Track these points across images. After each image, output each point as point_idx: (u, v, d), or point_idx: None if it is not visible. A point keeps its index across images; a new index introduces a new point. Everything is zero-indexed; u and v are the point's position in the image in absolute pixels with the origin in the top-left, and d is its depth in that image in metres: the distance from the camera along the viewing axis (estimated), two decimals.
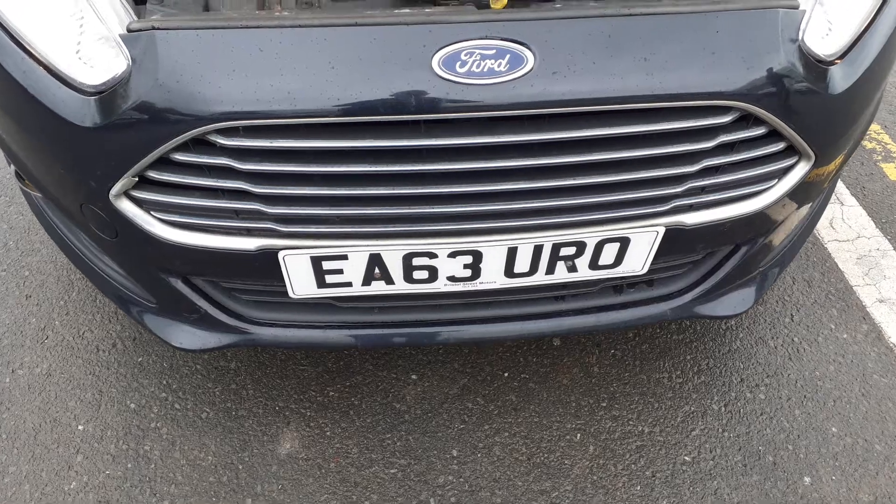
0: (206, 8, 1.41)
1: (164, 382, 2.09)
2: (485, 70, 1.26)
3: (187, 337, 1.73)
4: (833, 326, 2.20)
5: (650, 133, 1.34)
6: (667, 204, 1.47)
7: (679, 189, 1.45)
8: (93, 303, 2.31)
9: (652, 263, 1.59)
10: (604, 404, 2.01)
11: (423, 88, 1.26)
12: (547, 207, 1.43)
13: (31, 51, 1.34)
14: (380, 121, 1.29)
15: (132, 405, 2.04)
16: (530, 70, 1.27)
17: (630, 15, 1.30)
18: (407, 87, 1.26)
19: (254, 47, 1.27)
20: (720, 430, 1.95)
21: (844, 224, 2.52)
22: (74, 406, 2.04)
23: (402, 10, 1.29)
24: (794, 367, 2.10)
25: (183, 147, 1.33)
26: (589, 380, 2.07)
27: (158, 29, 1.29)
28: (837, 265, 2.38)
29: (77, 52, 1.34)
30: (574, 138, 1.33)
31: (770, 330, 2.18)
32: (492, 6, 1.34)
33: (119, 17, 1.33)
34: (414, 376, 2.08)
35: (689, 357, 2.12)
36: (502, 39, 1.27)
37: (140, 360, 2.15)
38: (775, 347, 2.14)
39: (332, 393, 2.05)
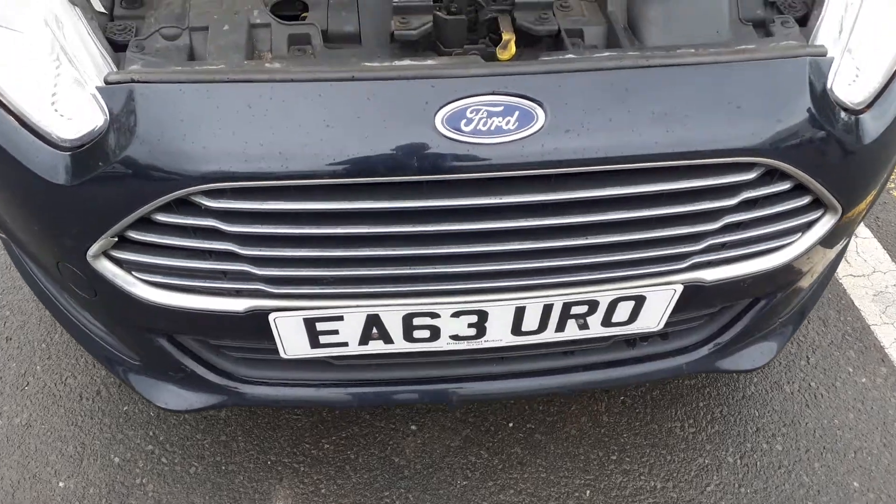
0: (191, 56, 1.31)
1: (151, 434, 1.99)
2: (492, 128, 1.16)
3: (172, 397, 1.63)
4: (851, 370, 2.11)
5: (669, 192, 1.25)
6: (685, 261, 1.38)
7: (698, 247, 1.35)
8: (76, 346, 2.20)
9: (668, 319, 1.50)
10: (614, 457, 1.91)
11: (425, 149, 1.16)
12: (557, 267, 1.33)
13: (3, 101, 1.24)
14: (379, 182, 1.19)
15: (116, 459, 1.93)
16: (541, 128, 1.17)
17: (648, 66, 1.20)
18: (408, 148, 1.16)
19: (242, 103, 1.17)
20: (736, 485, 1.86)
21: (859, 258, 2.43)
22: (55, 460, 1.93)
23: (402, 63, 1.19)
24: (812, 414, 2.00)
25: (165, 207, 1.23)
26: (598, 430, 1.97)
27: (138, 82, 1.19)
28: (853, 302, 2.29)
29: (52, 104, 1.24)
30: (587, 198, 1.23)
31: (786, 374, 2.09)
32: (499, 57, 1.24)
33: (97, 68, 1.23)
34: (413, 427, 1.98)
35: (701, 404, 2.03)
36: (511, 95, 1.17)
37: (125, 408, 2.04)
38: (791, 393, 2.05)
39: (326, 446, 1.95)
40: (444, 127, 1.16)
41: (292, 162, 1.17)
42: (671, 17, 1.33)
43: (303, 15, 1.42)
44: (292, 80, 1.17)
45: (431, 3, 1.29)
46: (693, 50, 1.25)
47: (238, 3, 1.36)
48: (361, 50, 1.35)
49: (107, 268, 1.34)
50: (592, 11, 1.42)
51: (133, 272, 1.35)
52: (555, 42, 1.36)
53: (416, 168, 1.17)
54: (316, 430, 1.98)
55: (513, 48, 1.24)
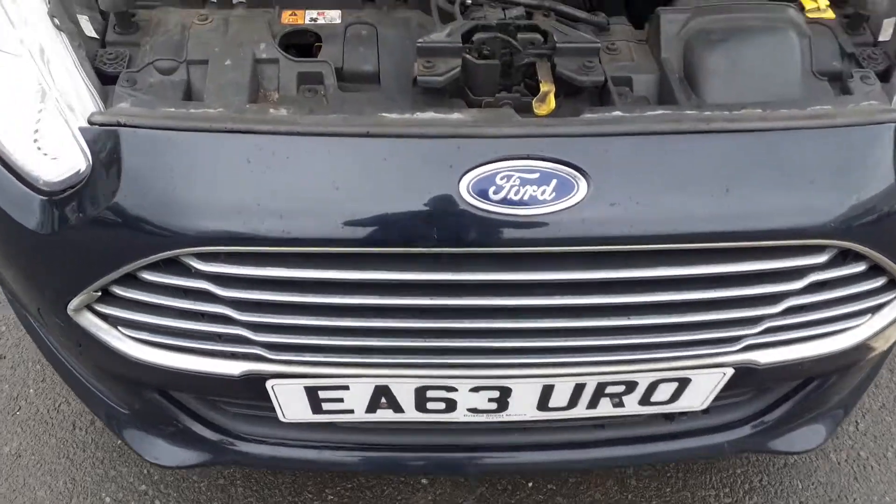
0: (189, 94, 1.16)
1: (145, 472, 1.86)
2: (525, 198, 1.01)
3: (164, 452, 1.50)
4: None
5: (725, 275, 1.09)
6: (737, 344, 1.21)
7: (754, 330, 1.19)
8: None
9: (714, 398, 1.34)
10: None
11: (447, 218, 1.01)
12: (591, 346, 1.18)
13: None
14: (392, 253, 1.04)
15: (108, 499, 1.81)
16: (582, 199, 1.01)
17: (709, 132, 1.04)
18: (427, 217, 1.01)
19: (240, 157, 1.03)
20: None
21: None
22: (43, 497, 1.81)
23: (424, 116, 1.04)
24: (861, 489, 1.83)
25: (153, 265, 1.09)
26: (624, 495, 1.81)
27: (124, 126, 1.05)
28: None
29: (35, 141, 1.11)
30: (630, 279, 1.07)
31: (833, 440, 1.91)
32: (535, 112, 1.08)
33: (81, 104, 1.09)
34: (424, 480, 1.83)
35: (739, 471, 1.86)
36: (548, 160, 1.01)
37: (120, 442, 1.92)
38: (838, 463, 1.88)
39: (330, 496, 1.81)
40: (470, 194, 1.01)
41: (294, 227, 1.02)
42: (735, 69, 1.16)
43: (316, 44, 1.27)
44: (298, 134, 1.02)
45: (461, 44, 1.13)
46: (760, 110, 1.08)
47: (242, 34, 1.21)
48: (379, 94, 1.19)
49: (90, 321, 1.21)
50: (643, 56, 1.25)
51: (119, 327, 1.22)
52: (599, 91, 1.19)
53: (435, 240, 1.02)
54: (319, 479, 1.84)
55: (552, 102, 1.08)
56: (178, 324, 1.17)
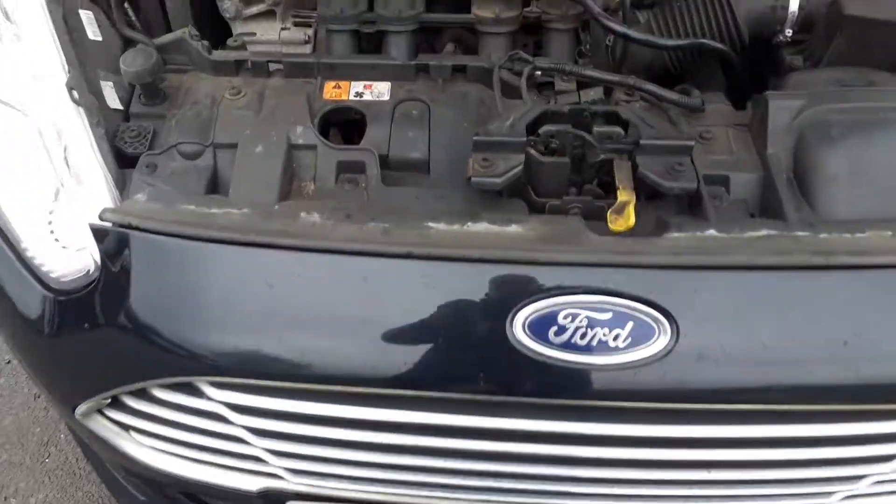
0: (214, 182, 1.02)
1: None
2: (593, 343, 0.83)
3: None
4: None
5: (833, 437, 0.90)
6: (836, 496, 1.02)
7: (859, 484, 0.99)
8: None
9: None
10: None
11: (496, 363, 0.85)
12: (660, 496, 1.00)
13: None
14: (429, 396, 0.89)
15: None
16: (664, 350, 0.83)
17: (828, 267, 0.84)
18: (473, 359, 0.85)
19: (262, 275, 0.88)
20: None
21: None
22: None
23: (476, 227, 0.86)
24: None
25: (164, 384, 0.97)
26: None
27: (136, 229, 0.91)
28: None
29: (51, 232, 1.00)
30: (715, 439, 0.89)
31: None
32: (610, 227, 0.89)
33: (95, 197, 0.98)
34: None
35: None
36: (625, 297, 0.83)
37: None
38: None
39: None
40: (526, 334, 0.84)
41: (318, 362, 0.88)
42: (861, 174, 0.95)
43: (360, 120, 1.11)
44: (330, 251, 0.87)
45: (524, 138, 0.95)
46: (891, 233, 0.88)
47: (277, 112, 1.07)
48: (427, 189, 1.02)
49: (101, 424, 1.10)
50: (743, 147, 1.05)
51: (131, 432, 1.10)
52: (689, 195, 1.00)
53: (481, 387, 0.86)
54: None
55: (631, 216, 0.89)
56: (192, 438, 1.04)
